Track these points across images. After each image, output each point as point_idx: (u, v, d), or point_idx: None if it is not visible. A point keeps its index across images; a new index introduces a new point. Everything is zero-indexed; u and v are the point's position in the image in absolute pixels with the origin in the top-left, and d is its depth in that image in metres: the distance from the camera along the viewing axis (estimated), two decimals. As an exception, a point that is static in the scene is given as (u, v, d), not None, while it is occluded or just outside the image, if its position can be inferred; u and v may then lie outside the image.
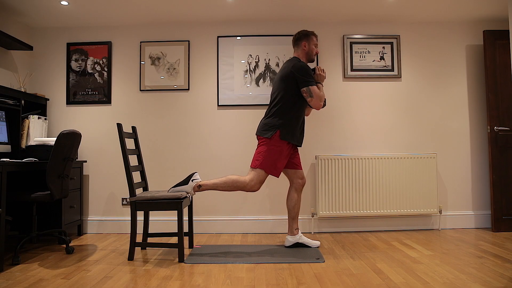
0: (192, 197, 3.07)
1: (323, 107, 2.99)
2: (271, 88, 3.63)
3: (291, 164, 2.97)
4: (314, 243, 2.98)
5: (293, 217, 2.95)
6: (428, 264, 2.50)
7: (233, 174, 2.87)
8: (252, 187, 2.76)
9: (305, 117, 3.48)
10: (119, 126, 2.74)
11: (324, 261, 2.58)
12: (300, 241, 2.96)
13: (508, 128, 3.51)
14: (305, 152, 3.63)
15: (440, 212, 3.59)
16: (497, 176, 3.47)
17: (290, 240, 2.96)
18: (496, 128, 3.49)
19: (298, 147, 3.33)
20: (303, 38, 2.95)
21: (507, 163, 3.49)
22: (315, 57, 3.02)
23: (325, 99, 3.00)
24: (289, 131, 2.81)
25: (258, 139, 2.88)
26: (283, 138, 2.78)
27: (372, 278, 2.23)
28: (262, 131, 2.83)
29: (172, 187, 2.78)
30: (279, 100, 2.82)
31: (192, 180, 2.78)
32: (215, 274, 2.36)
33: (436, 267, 2.43)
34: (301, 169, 3.00)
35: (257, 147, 2.86)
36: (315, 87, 2.80)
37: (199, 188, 2.77)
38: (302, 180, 2.98)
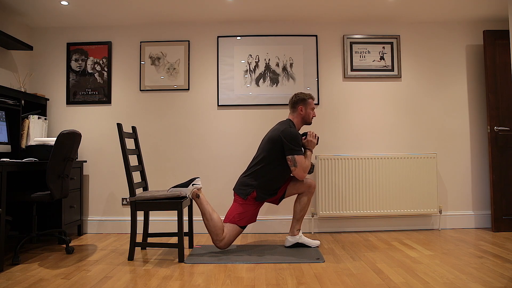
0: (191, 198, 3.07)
1: (310, 173, 2.97)
2: (271, 89, 3.63)
3: (285, 185, 2.96)
4: (314, 242, 2.98)
5: (298, 219, 2.95)
6: (428, 264, 2.50)
7: (222, 221, 2.83)
8: (221, 245, 2.78)
9: None
10: (119, 126, 2.74)
11: (324, 261, 2.58)
12: (300, 241, 2.95)
13: (508, 128, 3.51)
14: (305, 152, 3.63)
15: (440, 212, 3.59)
16: (497, 176, 3.47)
17: (290, 240, 2.96)
18: (496, 128, 3.49)
19: None
20: (300, 102, 2.91)
21: (507, 163, 3.49)
22: (312, 121, 2.99)
23: (313, 165, 2.98)
24: (265, 192, 2.82)
25: (234, 195, 2.88)
26: (259, 199, 2.81)
27: (372, 278, 2.23)
28: (239, 190, 2.84)
29: (172, 187, 2.79)
30: (260, 161, 2.81)
31: (192, 185, 2.80)
32: (215, 274, 2.36)
33: (436, 267, 2.43)
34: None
35: (234, 202, 2.87)
36: (301, 156, 2.76)
37: (197, 197, 2.80)
38: (311, 187, 2.94)
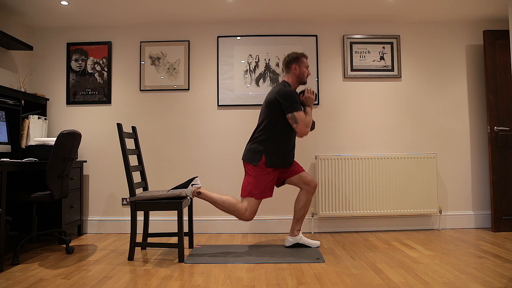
0: (192, 198, 3.07)
1: (312, 130, 2.95)
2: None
3: (290, 172, 2.93)
4: (314, 243, 2.98)
5: (298, 219, 2.94)
6: (428, 264, 2.50)
7: (233, 197, 2.82)
8: (246, 217, 2.76)
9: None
10: (119, 126, 2.74)
11: (324, 261, 2.58)
12: (300, 241, 2.95)
13: (508, 128, 3.51)
14: (305, 152, 3.63)
15: (440, 212, 3.59)
16: (497, 176, 3.47)
17: (290, 240, 2.96)
18: (496, 128, 3.49)
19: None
20: (293, 61, 2.88)
21: (507, 163, 3.49)
22: (307, 79, 2.96)
23: (313, 122, 2.95)
24: (275, 157, 2.78)
25: (244, 165, 2.85)
26: (269, 165, 2.76)
27: (372, 278, 2.23)
28: (248, 157, 2.81)
29: (171, 189, 2.78)
30: (264, 126, 2.79)
31: (191, 185, 2.79)
32: (215, 274, 2.36)
33: (436, 267, 2.43)
34: (304, 172, 2.94)
35: (245, 174, 2.84)
36: (300, 112, 2.73)
37: (198, 194, 2.78)
38: (311, 186, 2.92)
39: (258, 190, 2.76)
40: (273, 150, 2.77)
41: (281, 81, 2.92)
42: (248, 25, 3.69)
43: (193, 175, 3.63)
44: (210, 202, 2.80)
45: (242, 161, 2.90)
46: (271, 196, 2.85)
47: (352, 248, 2.94)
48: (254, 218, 3.56)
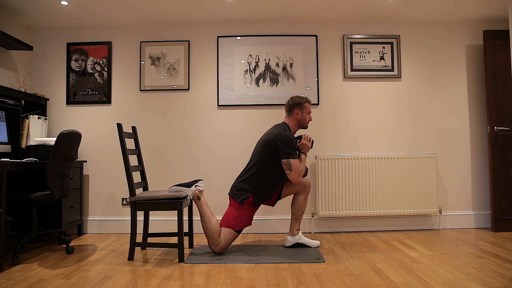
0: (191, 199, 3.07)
1: (304, 177, 2.93)
2: (271, 89, 3.63)
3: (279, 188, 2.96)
4: (314, 242, 2.98)
5: (296, 219, 2.95)
6: (428, 264, 2.50)
7: (219, 226, 2.78)
8: (217, 249, 2.76)
9: None
10: (119, 126, 2.74)
11: (324, 261, 2.58)
12: (300, 241, 2.95)
13: (508, 128, 3.51)
14: (305, 152, 3.63)
15: (440, 212, 3.59)
16: (497, 176, 3.47)
17: (290, 240, 2.96)
18: (496, 128, 3.49)
19: None
20: (296, 106, 2.87)
21: (507, 163, 3.49)
22: (308, 125, 2.94)
23: (307, 169, 2.95)
24: (262, 196, 2.80)
25: (229, 199, 2.86)
26: (255, 204, 2.80)
27: (372, 278, 2.23)
28: (234, 195, 2.82)
29: (174, 185, 2.80)
30: (255, 165, 2.79)
31: (195, 186, 2.80)
32: (215, 274, 2.36)
33: (436, 267, 2.43)
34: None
35: (229, 205, 2.85)
36: (296, 160, 2.73)
37: (198, 199, 2.80)
38: (307, 186, 2.95)
39: (239, 223, 2.79)
40: (260, 190, 2.79)
41: (281, 122, 2.92)
42: (248, 25, 3.69)
43: (193, 175, 3.63)
44: (199, 213, 2.81)
45: (228, 195, 2.91)
46: (251, 224, 2.93)
47: (352, 248, 2.94)
48: (256, 218, 3.56)
